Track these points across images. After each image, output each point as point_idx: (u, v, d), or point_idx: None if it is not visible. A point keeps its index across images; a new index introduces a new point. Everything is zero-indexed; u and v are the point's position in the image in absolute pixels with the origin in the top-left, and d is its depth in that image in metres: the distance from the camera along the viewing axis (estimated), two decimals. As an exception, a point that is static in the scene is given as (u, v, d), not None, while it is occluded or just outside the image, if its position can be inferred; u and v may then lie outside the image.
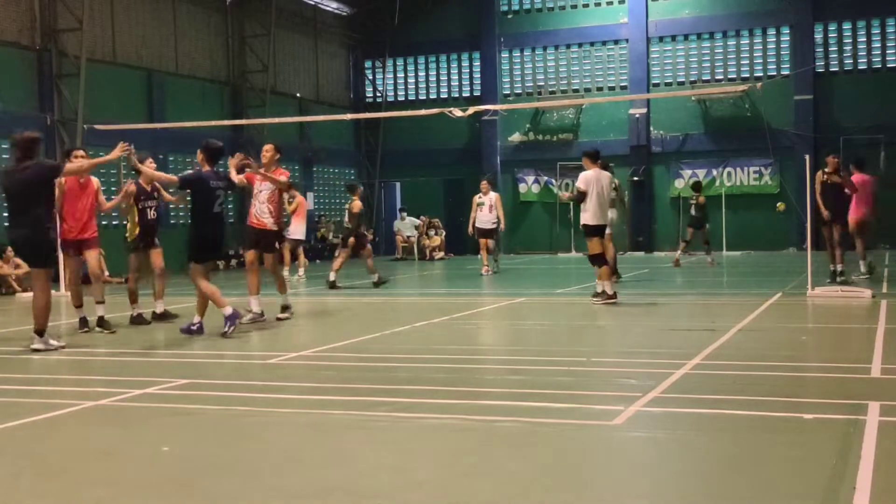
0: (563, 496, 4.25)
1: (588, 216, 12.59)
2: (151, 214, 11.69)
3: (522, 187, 29.66)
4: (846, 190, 15.07)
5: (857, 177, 16.10)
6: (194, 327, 10.14)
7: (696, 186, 21.77)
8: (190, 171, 10.91)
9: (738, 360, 7.67)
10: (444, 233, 27.96)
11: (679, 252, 20.99)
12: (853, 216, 15.65)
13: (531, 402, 6.37)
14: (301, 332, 10.54)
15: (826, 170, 15.08)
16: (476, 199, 19.67)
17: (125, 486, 4.53)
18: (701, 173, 27.78)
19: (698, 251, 21.80)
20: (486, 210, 19.38)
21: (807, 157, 14.69)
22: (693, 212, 20.76)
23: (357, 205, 16.78)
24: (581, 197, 12.59)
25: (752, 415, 5.67)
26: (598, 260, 12.60)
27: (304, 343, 9.56)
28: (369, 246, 16.92)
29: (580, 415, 5.91)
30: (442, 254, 27.37)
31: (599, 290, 12.55)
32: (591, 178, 12.56)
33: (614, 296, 12.45)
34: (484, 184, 19.94)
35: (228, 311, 10.00)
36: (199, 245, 10.39)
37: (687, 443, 5.15)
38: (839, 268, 14.56)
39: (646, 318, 11.37)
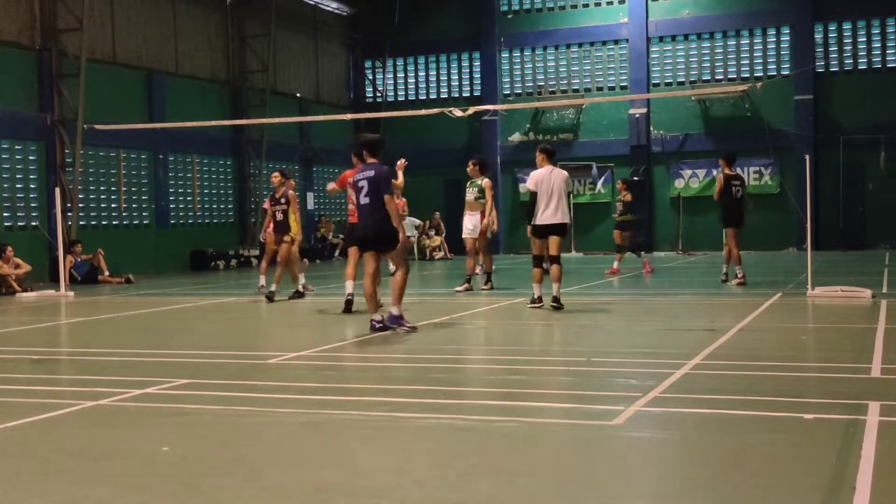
0: (563, 496, 4.25)
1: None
2: (279, 216, 14.35)
3: (522, 187, 29.63)
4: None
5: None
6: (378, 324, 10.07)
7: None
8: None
9: (739, 360, 7.66)
10: (444, 232, 27.95)
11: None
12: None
13: (531, 402, 6.37)
14: (301, 332, 10.53)
15: (725, 171, 15.64)
16: None
17: (125, 486, 4.52)
18: (701, 173, 27.81)
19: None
20: None
21: (807, 157, 14.73)
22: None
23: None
24: (532, 197, 12.04)
25: (752, 415, 5.67)
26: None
27: (304, 343, 9.55)
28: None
29: (580, 415, 5.91)
30: (442, 254, 27.37)
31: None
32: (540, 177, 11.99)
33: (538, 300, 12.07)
34: None
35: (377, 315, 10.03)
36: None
37: (687, 443, 5.15)
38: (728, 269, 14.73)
39: (646, 318, 11.37)
